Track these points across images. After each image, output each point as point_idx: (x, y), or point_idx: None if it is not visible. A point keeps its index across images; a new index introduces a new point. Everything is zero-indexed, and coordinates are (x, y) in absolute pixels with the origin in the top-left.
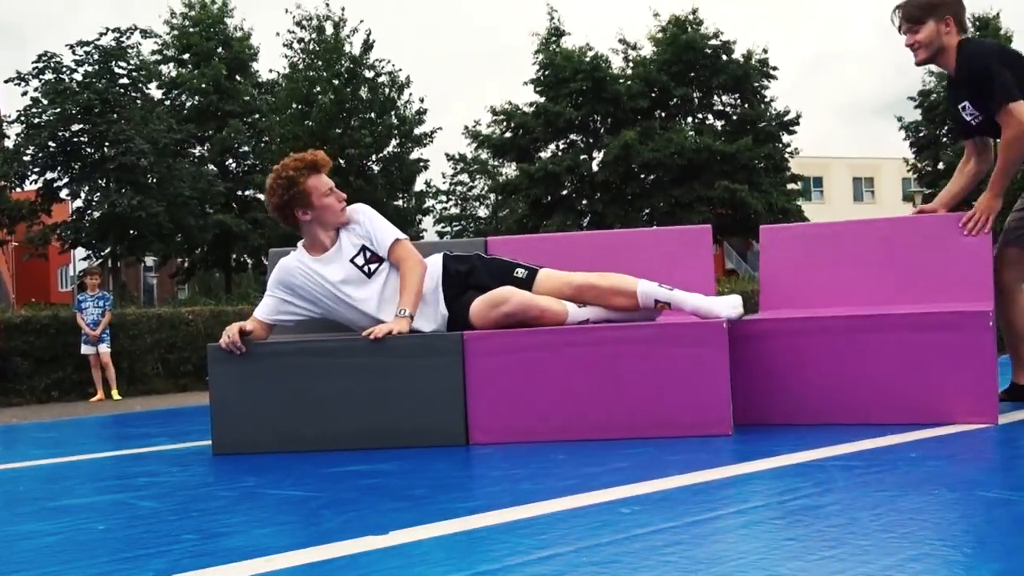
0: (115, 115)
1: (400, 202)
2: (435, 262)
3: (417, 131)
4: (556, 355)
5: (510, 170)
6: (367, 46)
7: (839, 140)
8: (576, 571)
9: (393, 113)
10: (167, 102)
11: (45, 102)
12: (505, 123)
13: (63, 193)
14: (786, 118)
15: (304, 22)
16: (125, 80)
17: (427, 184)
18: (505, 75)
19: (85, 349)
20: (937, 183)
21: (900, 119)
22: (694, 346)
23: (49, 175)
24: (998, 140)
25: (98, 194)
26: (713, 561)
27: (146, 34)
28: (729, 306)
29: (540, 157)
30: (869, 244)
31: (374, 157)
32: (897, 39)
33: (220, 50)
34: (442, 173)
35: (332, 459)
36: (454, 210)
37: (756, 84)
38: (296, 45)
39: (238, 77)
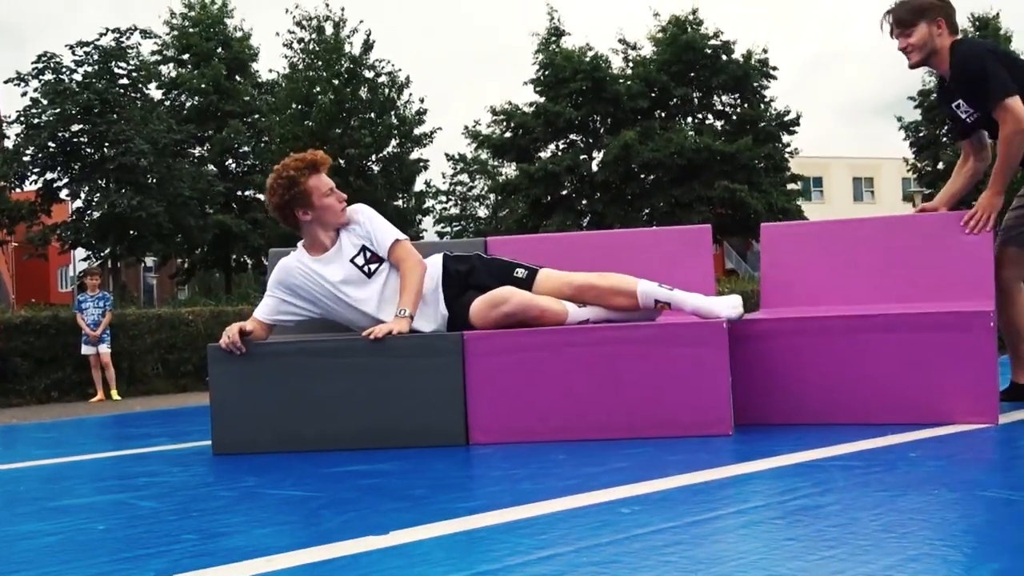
0: (115, 115)
1: (400, 202)
2: (435, 262)
3: (417, 131)
4: (556, 355)
5: (510, 170)
6: (367, 46)
7: (839, 140)
8: (576, 571)
9: (393, 113)
10: (167, 102)
11: (45, 102)
12: (505, 123)
13: (63, 193)
14: (786, 118)
15: (304, 22)
16: (125, 80)
17: (427, 184)
18: (505, 75)
19: (85, 349)
20: (937, 183)
21: (900, 119)
22: (694, 346)
23: (49, 175)
24: (994, 140)
25: (98, 194)
26: (713, 561)
27: (146, 34)
28: (729, 306)
29: (540, 157)
30: (870, 243)
31: (374, 157)
32: None
33: (220, 50)
34: (442, 173)
35: (332, 459)
36: (454, 210)
37: (756, 84)
38: (296, 45)
39: (238, 77)
